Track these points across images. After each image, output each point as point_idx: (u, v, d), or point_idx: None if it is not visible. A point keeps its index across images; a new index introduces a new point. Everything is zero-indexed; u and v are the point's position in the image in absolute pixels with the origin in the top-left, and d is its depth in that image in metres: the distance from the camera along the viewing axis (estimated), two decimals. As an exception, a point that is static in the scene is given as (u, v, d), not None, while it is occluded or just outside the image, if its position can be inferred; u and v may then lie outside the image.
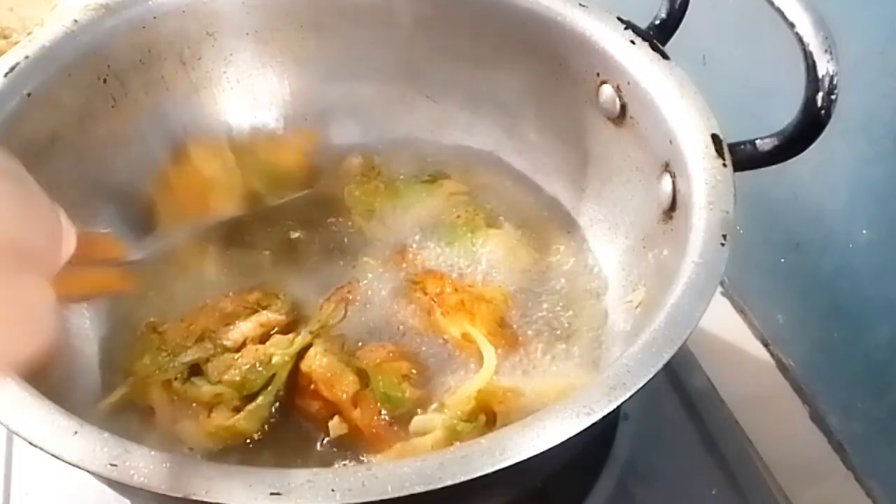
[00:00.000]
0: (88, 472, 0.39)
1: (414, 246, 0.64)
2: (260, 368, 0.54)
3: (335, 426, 0.53)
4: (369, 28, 0.67)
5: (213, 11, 0.64)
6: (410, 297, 0.60)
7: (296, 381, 0.55)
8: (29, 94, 0.55)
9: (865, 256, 0.61)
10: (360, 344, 0.57)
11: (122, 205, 0.62)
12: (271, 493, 0.36)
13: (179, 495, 0.37)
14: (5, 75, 0.55)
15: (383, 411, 0.53)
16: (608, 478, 0.61)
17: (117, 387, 0.55)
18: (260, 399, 0.54)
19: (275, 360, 0.55)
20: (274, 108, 0.70)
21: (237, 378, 0.54)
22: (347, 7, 0.66)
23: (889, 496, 0.64)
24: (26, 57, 0.56)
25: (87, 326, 0.58)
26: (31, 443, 0.39)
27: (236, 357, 0.55)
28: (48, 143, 0.57)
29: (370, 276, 0.61)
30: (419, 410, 0.53)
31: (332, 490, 0.36)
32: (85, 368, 0.56)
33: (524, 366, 0.56)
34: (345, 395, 0.53)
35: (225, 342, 0.55)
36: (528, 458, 0.38)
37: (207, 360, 0.55)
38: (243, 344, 0.56)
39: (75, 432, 0.39)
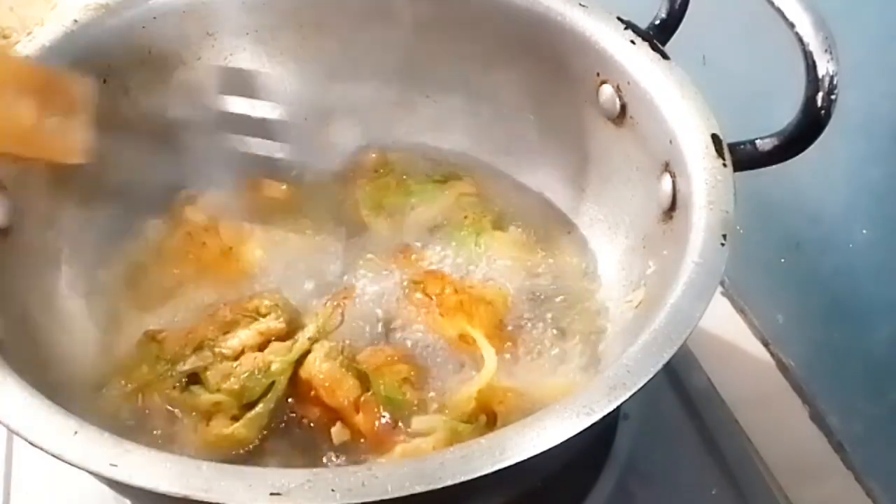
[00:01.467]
0: (88, 472, 0.39)
1: (418, 245, 0.64)
2: (259, 376, 0.54)
3: (337, 432, 0.53)
4: (369, 28, 0.67)
5: (213, 11, 0.64)
6: (410, 298, 0.60)
7: (296, 388, 0.55)
8: (29, 94, 0.55)
9: (865, 256, 0.61)
10: (359, 348, 0.57)
11: (122, 204, 0.62)
12: (271, 494, 0.36)
13: (179, 495, 0.37)
14: (5, 75, 0.55)
15: (385, 415, 0.53)
16: (608, 478, 0.61)
17: (115, 394, 0.54)
18: (259, 407, 0.54)
19: (274, 367, 0.54)
20: (274, 107, 0.70)
21: (236, 386, 0.54)
22: (348, 7, 0.66)
23: (889, 496, 0.64)
24: (26, 57, 0.56)
25: (87, 326, 0.58)
26: (31, 443, 0.39)
27: (235, 365, 0.55)
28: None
29: (372, 275, 0.61)
30: (420, 412, 0.53)
31: (332, 490, 0.36)
32: (85, 368, 0.56)
33: (524, 367, 0.56)
34: (346, 401, 0.53)
35: (223, 350, 0.55)
36: (528, 458, 0.38)
37: (206, 368, 0.54)
38: (242, 352, 0.55)
39: (75, 432, 0.39)
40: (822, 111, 0.47)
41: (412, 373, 0.55)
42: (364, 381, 0.54)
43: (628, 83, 0.57)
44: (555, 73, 0.62)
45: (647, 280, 0.56)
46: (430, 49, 0.67)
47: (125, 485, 0.37)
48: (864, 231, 0.61)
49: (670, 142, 0.53)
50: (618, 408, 0.40)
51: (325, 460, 0.53)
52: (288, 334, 0.57)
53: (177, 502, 0.37)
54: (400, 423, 0.53)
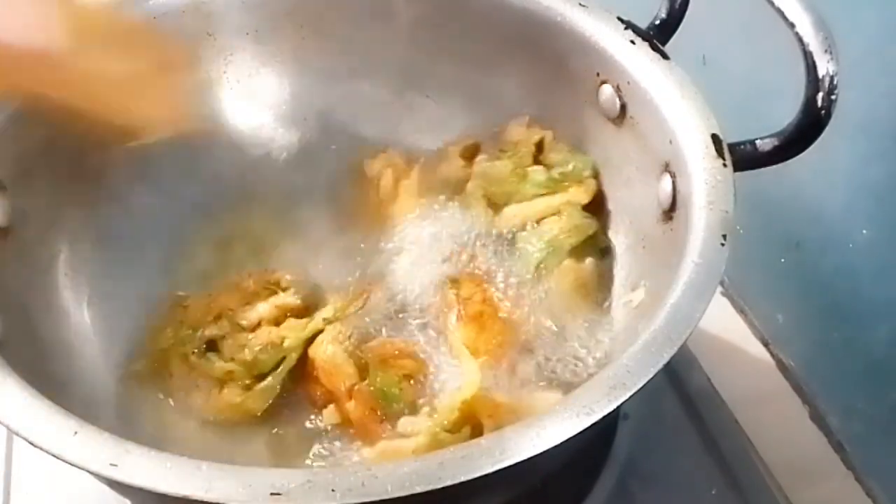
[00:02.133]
0: (88, 472, 0.39)
1: (485, 243, 0.62)
2: (271, 350, 0.56)
3: (328, 414, 0.54)
4: (369, 28, 0.67)
5: (213, 11, 0.64)
6: (443, 295, 0.59)
7: (304, 363, 0.56)
8: (29, 95, 0.55)
9: (865, 256, 0.61)
10: (371, 336, 0.57)
11: (121, 205, 0.63)
12: (271, 494, 0.36)
13: (179, 495, 0.37)
14: (5, 75, 0.55)
15: (376, 407, 0.54)
16: (608, 478, 0.61)
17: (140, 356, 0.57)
18: (269, 380, 0.55)
19: (286, 343, 0.56)
20: (274, 108, 0.70)
21: (249, 358, 0.56)
22: (348, 7, 0.66)
23: (889, 496, 0.64)
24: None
25: (86, 327, 0.58)
26: (31, 443, 0.39)
27: (250, 337, 0.57)
28: (48, 144, 0.57)
29: (422, 264, 0.61)
30: (411, 411, 0.53)
31: (332, 490, 0.36)
32: (85, 368, 0.56)
33: (518, 391, 0.55)
34: (342, 386, 0.54)
35: (241, 321, 0.57)
36: (528, 458, 0.38)
37: (223, 337, 0.57)
38: (258, 325, 0.57)
39: (75, 432, 0.39)
40: (822, 111, 0.47)
41: (416, 370, 0.55)
42: (363, 370, 0.55)
43: (628, 83, 0.57)
44: (555, 73, 0.62)
45: (647, 280, 0.56)
46: (430, 49, 0.67)
47: (125, 485, 0.37)
48: (865, 231, 0.61)
49: (670, 142, 0.53)
50: (618, 408, 0.40)
51: (316, 440, 0.54)
52: (307, 310, 0.58)
53: (177, 502, 0.37)
54: (391, 418, 0.53)
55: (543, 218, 0.61)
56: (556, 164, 0.63)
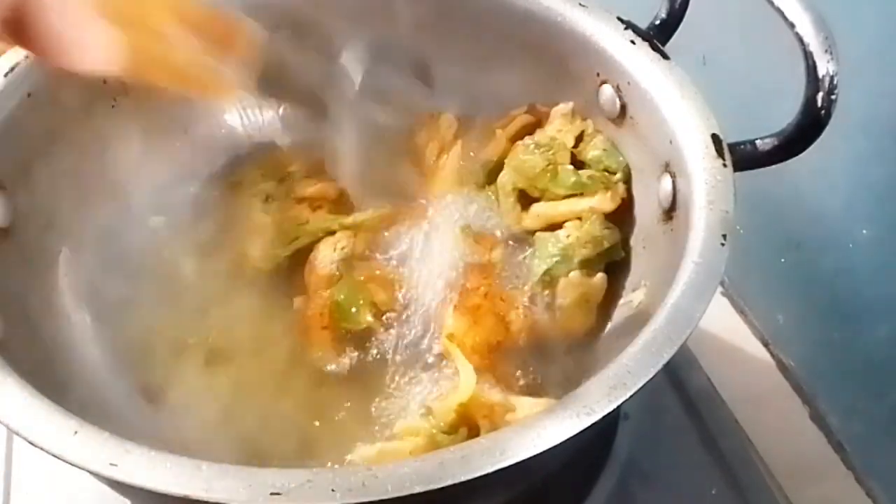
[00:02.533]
0: (88, 472, 0.39)
1: (506, 238, 0.61)
2: (291, 224, 0.62)
3: (297, 303, 0.59)
4: (369, 28, 0.67)
5: (213, 11, 0.64)
6: (450, 281, 0.58)
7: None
8: (29, 94, 0.55)
9: (865, 256, 0.61)
10: (369, 256, 0.60)
11: (121, 204, 0.63)
12: (271, 494, 0.36)
13: (179, 495, 0.37)
14: (5, 75, 0.55)
15: (330, 319, 0.57)
16: (608, 478, 0.61)
17: None
18: (279, 250, 0.61)
19: (307, 226, 0.62)
20: (274, 107, 0.70)
21: (277, 221, 0.62)
22: (347, 7, 0.66)
23: (889, 496, 0.64)
24: (26, 57, 0.56)
25: (86, 327, 0.58)
26: (31, 443, 0.39)
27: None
28: (48, 143, 0.57)
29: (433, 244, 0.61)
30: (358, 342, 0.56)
31: (332, 490, 0.36)
32: (85, 369, 0.56)
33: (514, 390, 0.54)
34: (314, 286, 0.58)
35: (293, 193, 0.64)
36: (528, 458, 0.38)
37: (269, 197, 0.64)
38: (302, 200, 0.63)
39: (75, 432, 0.39)
40: (823, 111, 0.47)
41: (386, 304, 0.57)
42: (334, 281, 0.58)
43: (628, 83, 0.57)
44: (555, 73, 0.62)
45: (647, 280, 0.56)
46: (429, 49, 0.67)
47: (125, 485, 0.37)
48: (865, 231, 0.61)
49: (670, 142, 0.53)
50: (618, 408, 0.40)
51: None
52: (344, 208, 0.63)
53: (177, 502, 0.37)
54: (331, 331, 0.57)
55: (566, 220, 0.59)
56: (591, 163, 0.60)
